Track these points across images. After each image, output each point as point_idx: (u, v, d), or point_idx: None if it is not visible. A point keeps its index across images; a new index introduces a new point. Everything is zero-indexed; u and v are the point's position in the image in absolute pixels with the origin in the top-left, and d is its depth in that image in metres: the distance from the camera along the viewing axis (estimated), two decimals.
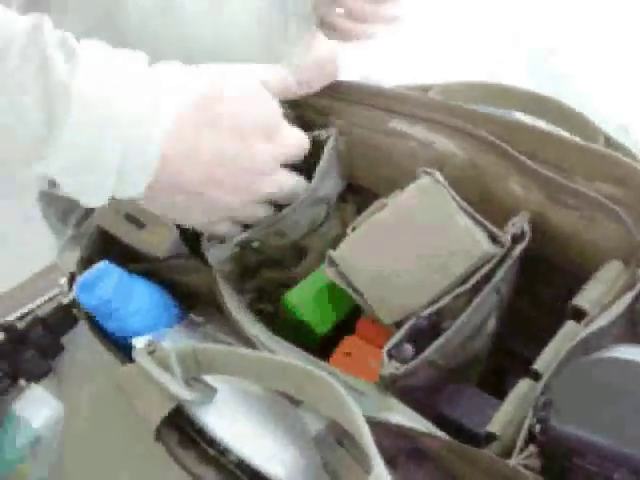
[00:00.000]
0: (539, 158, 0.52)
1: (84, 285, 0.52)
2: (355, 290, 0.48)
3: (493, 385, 0.52)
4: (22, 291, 0.73)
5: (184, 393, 0.46)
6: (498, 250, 0.48)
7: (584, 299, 0.47)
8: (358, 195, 0.61)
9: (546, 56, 1.44)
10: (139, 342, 0.51)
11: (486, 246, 0.48)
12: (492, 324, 0.50)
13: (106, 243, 0.57)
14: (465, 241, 0.47)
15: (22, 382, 0.64)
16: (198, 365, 0.47)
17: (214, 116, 0.47)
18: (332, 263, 0.49)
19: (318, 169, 0.54)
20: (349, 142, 0.59)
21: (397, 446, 0.47)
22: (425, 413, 0.49)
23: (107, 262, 0.52)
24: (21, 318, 0.67)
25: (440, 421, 0.49)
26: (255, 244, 0.52)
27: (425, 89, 0.63)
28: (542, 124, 0.60)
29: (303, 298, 0.52)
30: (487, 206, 0.55)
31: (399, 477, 0.48)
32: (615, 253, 0.48)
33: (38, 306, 0.68)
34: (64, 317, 0.66)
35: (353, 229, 0.50)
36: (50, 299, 0.68)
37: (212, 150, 0.47)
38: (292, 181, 0.53)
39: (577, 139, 0.52)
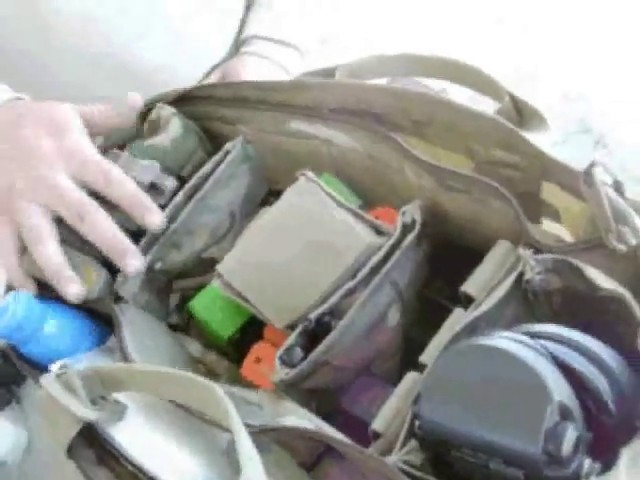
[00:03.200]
0: (437, 125, 0.51)
1: None
2: (244, 299, 0.48)
3: None
4: None
5: (87, 413, 0.47)
6: (383, 241, 0.47)
7: (471, 284, 0.46)
8: None
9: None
10: (54, 367, 0.52)
11: (368, 238, 0.47)
12: (394, 317, 0.49)
13: None
14: (346, 235, 0.47)
15: None
16: (102, 384, 0.48)
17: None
18: (219, 275, 0.49)
19: (210, 179, 0.54)
20: (259, 148, 0.59)
21: (311, 448, 0.47)
22: (335, 413, 0.49)
23: (15, 292, 0.53)
24: None
25: (348, 420, 0.49)
26: (157, 265, 0.53)
27: (330, 72, 0.61)
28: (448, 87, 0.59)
29: (205, 303, 0.52)
30: (392, 198, 0.54)
31: (317, 476, 0.48)
32: (506, 233, 0.47)
33: None
34: None
35: (239, 239, 0.50)
36: None
37: None
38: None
39: (469, 106, 0.50)
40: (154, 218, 0.52)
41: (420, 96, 0.51)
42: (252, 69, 0.78)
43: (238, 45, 0.82)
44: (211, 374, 0.55)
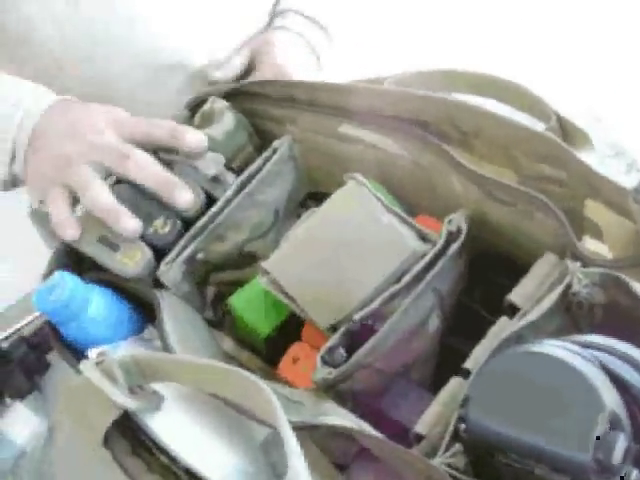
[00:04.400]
0: (484, 137, 0.52)
1: (41, 292, 0.54)
2: (289, 297, 0.49)
3: None
4: (9, 313, 0.75)
5: (126, 401, 0.47)
6: (428, 248, 0.48)
7: (517, 294, 0.46)
8: (319, 202, 0.61)
9: None
10: (93, 353, 0.53)
11: (414, 244, 0.48)
12: (434, 324, 0.50)
13: (70, 258, 0.59)
14: (392, 240, 0.48)
15: (7, 400, 0.67)
16: (142, 373, 0.48)
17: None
18: (264, 272, 0.50)
19: (258, 175, 0.55)
20: (304, 149, 0.60)
21: (346, 449, 0.47)
22: (372, 416, 0.49)
23: (62, 271, 0.54)
24: (6, 338, 0.69)
25: (386, 423, 0.49)
26: (200, 255, 0.53)
27: (380, 82, 0.62)
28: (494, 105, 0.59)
29: (245, 300, 0.53)
30: (436, 205, 0.55)
31: (349, 478, 0.48)
32: (551, 245, 0.48)
33: (23, 326, 0.70)
34: (48, 336, 0.68)
35: (287, 239, 0.50)
36: (34, 319, 0.70)
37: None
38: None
39: (519, 118, 0.51)
40: (185, 195, 0.54)
41: (470, 108, 0.52)
42: (284, 48, 0.75)
43: (273, 16, 0.79)
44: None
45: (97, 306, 0.54)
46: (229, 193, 0.54)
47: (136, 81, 0.71)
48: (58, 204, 0.56)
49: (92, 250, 0.55)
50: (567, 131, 0.53)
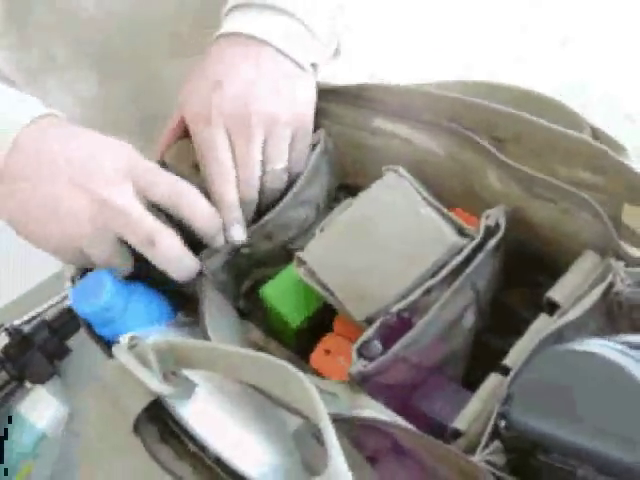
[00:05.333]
0: (522, 144, 0.51)
1: (78, 293, 0.52)
2: (325, 287, 0.48)
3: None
4: (31, 297, 0.75)
5: (160, 387, 0.46)
6: (466, 242, 0.48)
7: (557, 292, 0.46)
8: (351, 195, 0.61)
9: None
10: (124, 338, 0.52)
11: (453, 237, 0.47)
12: (470, 320, 0.49)
13: None
14: (431, 233, 0.47)
15: (28, 384, 0.66)
16: (176, 360, 0.47)
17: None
18: (301, 262, 0.49)
19: (304, 174, 0.55)
20: (337, 142, 0.59)
21: (377, 443, 0.47)
22: (404, 411, 0.49)
23: (103, 271, 0.52)
24: (28, 322, 0.69)
25: (419, 418, 0.49)
26: (245, 250, 0.53)
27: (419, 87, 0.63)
28: None
29: (278, 290, 0.52)
30: (470, 201, 0.54)
31: (380, 474, 0.48)
32: (592, 244, 0.47)
33: (44, 310, 0.70)
34: (69, 321, 0.68)
35: (322, 229, 0.50)
36: (56, 303, 0.70)
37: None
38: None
39: (559, 126, 0.51)
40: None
41: (510, 114, 0.51)
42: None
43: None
44: None
45: (136, 309, 0.53)
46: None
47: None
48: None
49: None
50: (602, 142, 0.53)
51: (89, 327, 0.55)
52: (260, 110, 0.53)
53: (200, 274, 0.52)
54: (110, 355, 0.53)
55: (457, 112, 0.53)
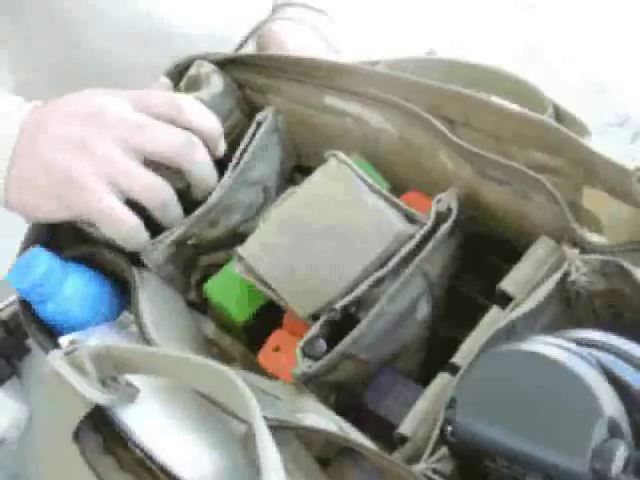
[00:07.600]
0: (473, 126, 0.48)
1: (15, 269, 0.51)
2: (265, 284, 0.46)
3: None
4: None
5: (97, 395, 0.44)
6: (415, 229, 0.45)
7: (510, 282, 0.43)
8: (306, 176, 0.58)
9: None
10: (64, 341, 0.50)
11: (400, 225, 0.44)
12: (424, 310, 0.46)
13: (48, 233, 0.56)
14: (376, 221, 0.44)
15: None
16: (115, 365, 0.45)
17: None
18: (240, 258, 0.46)
19: (247, 152, 0.52)
20: (288, 121, 0.56)
21: (330, 444, 0.44)
22: (355, 409, 0.46)
23: (38, 248, 0.51)
24: None
25: (369, 416, 0.46)
26: (190, 241, 0.50)
27: (372, 64, 0.59)
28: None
29: (221, 285, 0.50)
30: (424, 183, 0.51)
31: (333, 475, 0.46)
32: (548, 229, 0.44)
33: (0, 309, 0.67)
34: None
35: (263, 220, 0.47)
36: (12, 302, 0.68)
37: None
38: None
39: (512, 106, 0.48)
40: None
41: (460, 95, 0.48)
42: (293, 36, 0.72)
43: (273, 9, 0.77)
44: (225, 357, 0.52)
45: (74, 284, 0.52)
46: (225, 179, 0.51)
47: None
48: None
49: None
50: (564, 122, 0.50)
51: (29, 312, 0.53)
52: None
53: (143, 267, 0.50)
54: (43, 348, 0.51)
55: (407, 93, 0.50)
